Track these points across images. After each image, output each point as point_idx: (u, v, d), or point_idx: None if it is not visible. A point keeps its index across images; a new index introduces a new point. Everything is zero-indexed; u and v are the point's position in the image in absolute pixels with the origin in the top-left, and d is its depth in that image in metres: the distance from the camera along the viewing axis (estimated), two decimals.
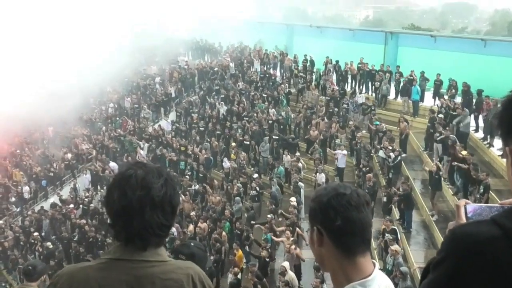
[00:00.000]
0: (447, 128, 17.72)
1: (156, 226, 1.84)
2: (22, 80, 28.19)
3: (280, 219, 17.46)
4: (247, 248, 16.15)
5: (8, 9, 30.15)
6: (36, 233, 21.38)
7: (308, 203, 1.82)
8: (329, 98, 24.08)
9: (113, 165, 25.23)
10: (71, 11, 30.64)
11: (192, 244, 3.15)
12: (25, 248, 21.61)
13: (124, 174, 1.88)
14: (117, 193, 1.85)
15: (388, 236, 13.27)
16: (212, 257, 15.56)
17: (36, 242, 20.95)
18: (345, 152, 19.56)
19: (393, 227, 13.82)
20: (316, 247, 1.72)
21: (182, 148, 24.23)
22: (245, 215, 19.24)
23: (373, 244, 15.31)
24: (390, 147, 17.80)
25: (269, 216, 16.99)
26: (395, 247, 12.60)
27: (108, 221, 1.90)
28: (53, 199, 24.91)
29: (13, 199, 25.89)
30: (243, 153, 22.07)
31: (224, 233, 17.07)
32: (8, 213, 25.21)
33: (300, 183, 18.78)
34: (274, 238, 15.87)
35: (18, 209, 25.40)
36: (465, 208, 1.57)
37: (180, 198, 20.08)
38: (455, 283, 1.27)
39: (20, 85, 27.82)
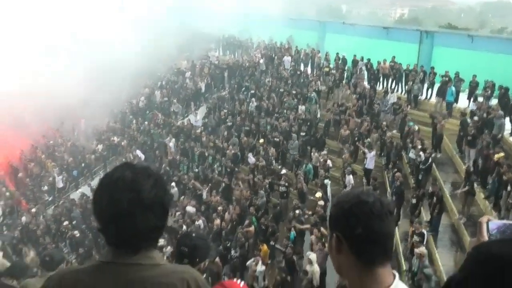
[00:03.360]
0: (482, 131, 17.43)
1: (148, 229, 1.79)
2: (56, 70, 28.91)
3: (306, 216, 17.55)
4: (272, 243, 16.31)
5: None
6: (66, 222, 21.99)
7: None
8: (359, 96, 23.97)
9: (139, 153, 25.74)
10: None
11: (194, 235, 3.10)
12: (56, 236, 22.24)
13: (111, 177, 1.80)
14: (106, 197, 1.77)
15: (415, 238, 13.21)
16: (236, 252, 15.74)
17: (66, 231, 21.56)
18: (373, 153, 19.43)
19: (422, 230, 13.69)
20: (335, 254, 1.69)
21: (211, 144, 24.49)
22: (269, 211, 19.30)
23: (399, 246, 15.38)
24: (422, 149, 17.62)
25: (296, 211, 17.06)
26: (421, 249, 12.53)
27: (97, 226, 1.84)
28: (84, 189, 25.52)
29: (46, 188, 26.63)
30: (272, 148, 22.10)
31: (253, 227, 17.19)
32: (41, 202, 25.99)
33: (327, 180, 18.76)
34: (298, 225, 15.97)
35: (50, 198, 26.15)
36: (487, 225, 1.58)
37: (207, 193, 20.46)
38: None
39: (54, 77, 28.54)
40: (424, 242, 13.44)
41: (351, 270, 1.65)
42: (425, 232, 13.73)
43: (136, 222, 1.75)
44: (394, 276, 1.68)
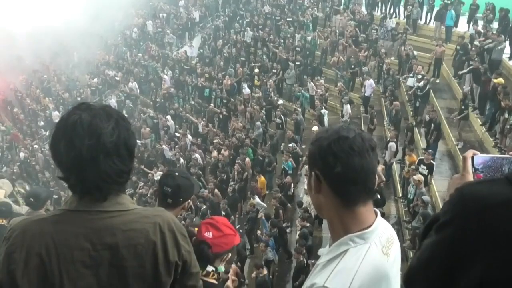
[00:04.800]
0: (483, 56, 17.01)
1: (114, 174, 1.69)
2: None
3: (304, 146, 17.57)
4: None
5: None
6: None
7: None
8: (357, 23, 23.38)
9: (134, 85, 25.65)
10: None
11: (177, 173, 3.00)
12: (56, 171, 22.31)
13: (67, 121, 1.67)
14: (64, 144, 1.65)
15: (412, 166, 13.21)
16: (235, 185, 15.88)
17: None
18: (371, 81, 19.14)
19: (431, 161, 13.37)
20: (314, 193, 1.62)
21: (206, 75, 24.17)
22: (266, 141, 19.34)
23: (396, 174, 15.51)
24: (420, 75, 17.30)
25: (290, 145, 17.06)
26: (418, 176, 12.57)
27: (58, 174, 1.72)
28: None
29: (42, 123, 26.56)
30: (270, 80, 21.81)
31: (248, 159, 17.27)
32: (38, 137, 25.98)
33: (324, 110, 18.58)
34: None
35: (48, 133, 26.12)
36: (472, 160, 1.46)
37: (203, 126, 20.32)
38: (459, 249, 1.13)
39: (43, 7, 27.66)
40: (432, 174, 13.24)
41: (331, 209, 1.59)
42: (434, 164, 13.40)
43: (99, 169, 1.65)
44: (376, 214, 1.63)
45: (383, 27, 22.57)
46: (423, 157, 13.51)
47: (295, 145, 17.10)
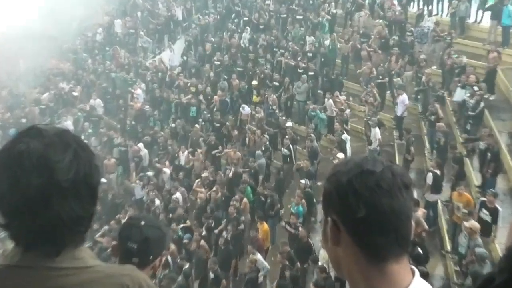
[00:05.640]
0: None
1: (71, 221, 1.65)
2: None
3: (319, 183, 17.36)
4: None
5: None
6: None
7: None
8: (388, 22, 23.39)
9: (98, 103, 25.82)
10: None
11: (143, 223, 2.93)
12: None
13: (11, 152, 1.64)
14: (6, 181, 1.62)
15: (463, 210, 13.00)
16: (228, 234, 15.65)
17: None
18: (405, 96, 19.03)
19: (496, 205, 12.98)
20: (331, 245, 1.60)
21: (192, 89, 24.04)
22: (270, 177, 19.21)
23: (442, 219, 15.24)
24: (473, 88, 17.15)
25: (302, 181, 16.86)
26: (471, 223, 12.31)
27: None
28: None
29: None
30: (272, 95, 21.70)
31: (245, 200, 17.15)
32: None
33: (345, 136, 18.47)
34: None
35: None
36: None
37: (188, 156, 20.38)
38: None
39: None
40: (499, 222, 12.90)
41: (353, 266, 1.58)
42: (499, 209, 12.99)
43: (52, 214, 1.62)
44: (413, 273, 1.60)
45: (420, 28, 22.54)
46: (485, 198, 13.21)
47: (308, 181, 16.90)
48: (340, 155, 16.89)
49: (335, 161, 15.97)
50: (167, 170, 20.28)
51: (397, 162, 16.48)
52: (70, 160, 1.65)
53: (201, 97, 23.42)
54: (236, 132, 21.20)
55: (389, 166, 1.57)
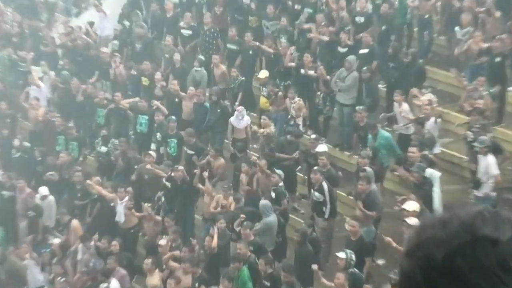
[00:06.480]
0: None
1: None
2: None
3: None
4: None
5: None
6: None
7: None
8: None
9: None
10: None
11: None
12: None
13: None
14: None
15: None
16: None
17: None
18: None
19: None
20: None
21: (145, 82, 17.97)
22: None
23: None
24: None
25: (342, 255, 12.28)
26: None
27: None
28: None
29: None
30: (296, 98, 15.98)
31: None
32: None
33: (432, 171, 13.52)
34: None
35: None
36: None
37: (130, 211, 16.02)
38: None
39: None
40: None
41: None
42: None
43: None
44: None
45: None
46: None
47: (352, 255, 12.54)
48: (416, 206, 12.44)
49: (411, 220, 12.10)
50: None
51: None
52: None
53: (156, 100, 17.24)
54: (220, 162, 14.96)
55: None
